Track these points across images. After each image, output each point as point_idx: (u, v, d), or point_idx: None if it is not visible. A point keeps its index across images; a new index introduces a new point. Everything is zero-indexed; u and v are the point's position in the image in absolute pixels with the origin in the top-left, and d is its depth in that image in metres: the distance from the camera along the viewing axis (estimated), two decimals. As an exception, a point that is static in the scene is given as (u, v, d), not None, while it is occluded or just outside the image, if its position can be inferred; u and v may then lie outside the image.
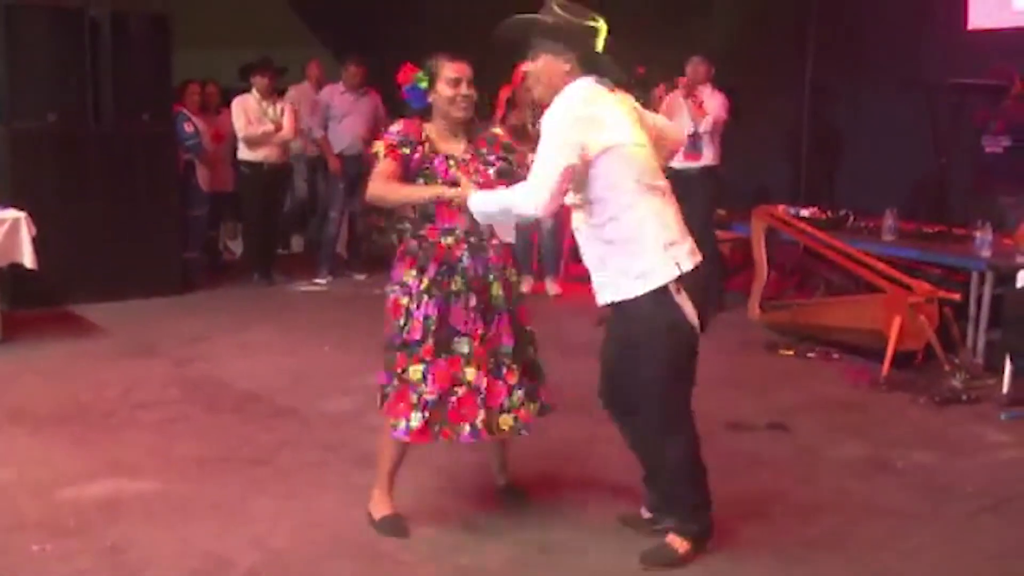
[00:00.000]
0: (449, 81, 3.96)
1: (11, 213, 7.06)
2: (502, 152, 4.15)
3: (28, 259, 7.01)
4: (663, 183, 3.80)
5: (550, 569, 3.92)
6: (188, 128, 9.28)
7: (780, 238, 8.05)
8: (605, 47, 3.77)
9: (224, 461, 4.93)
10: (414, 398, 3.96)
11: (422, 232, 4.03)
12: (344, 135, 9.48)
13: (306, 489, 4.56)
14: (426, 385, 3.95)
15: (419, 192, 3.95)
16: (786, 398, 6.13)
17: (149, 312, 8.19)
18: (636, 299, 3.74)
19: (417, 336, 3.96)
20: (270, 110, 9.31)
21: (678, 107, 8.29)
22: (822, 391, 6.32)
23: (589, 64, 3.74)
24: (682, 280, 3.75)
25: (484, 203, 3.76)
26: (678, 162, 8.34)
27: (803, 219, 7.90)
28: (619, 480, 4.67)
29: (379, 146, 4.02)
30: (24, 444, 5.22)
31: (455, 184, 3.93)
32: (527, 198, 3.65)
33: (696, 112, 8.16)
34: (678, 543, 3.95)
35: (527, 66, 3.83)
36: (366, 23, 11.31)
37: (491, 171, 4.07)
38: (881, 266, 6.83)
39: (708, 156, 8.27)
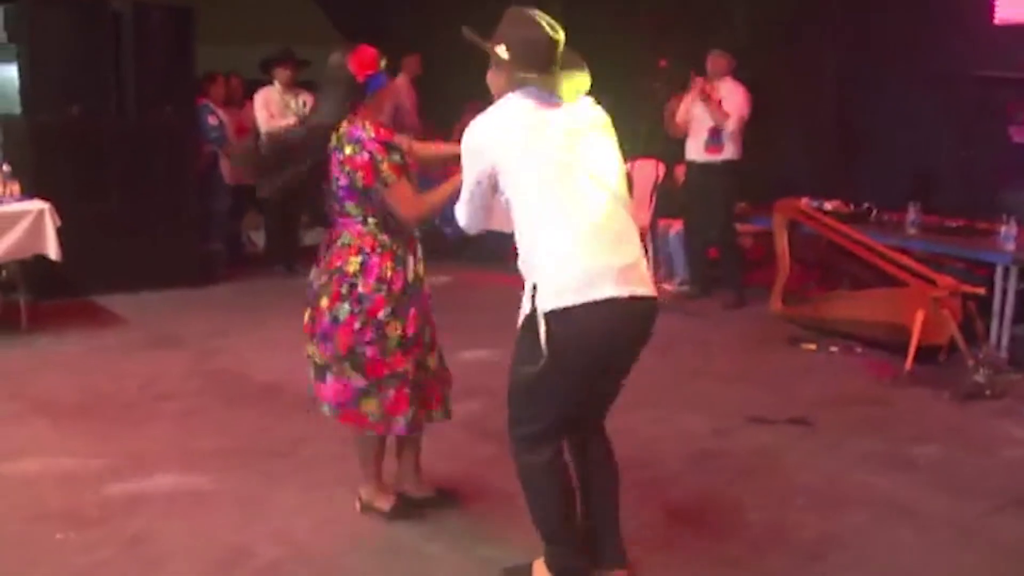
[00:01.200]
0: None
1: (35, 204, 7.10)
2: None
3: (52, 250, 7.04)
4: (583, 204, 3.42)
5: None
6: (212, 120, 9.32)
7: (802, 231, 8.01)
8: (556, 60, 3.52)
9: (245, 453, 4.95)
10: (409, 392, 4.01)
11: (395, 225, 3.99)
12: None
13: (328, 482, 4.57)
14: (413, 377, 4.03)
15: (449, 188, 3.90)
16: (807, 392, 6.11)
17: (171, 304, 8.22)
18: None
19: (413, 331, 3.99)
20: (292, 103, 9.32)
21: (696, 105, 8.27)
22: (844, 386, 6.30)
23: (518, 80, 3.48)
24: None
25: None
26: (700, 156, 8.36)
27: (826, 212, 7.87)
28: (644, 476, 4.67)
29: (389, 174, 3.85)
30: (47, 435, 5.26)
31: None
32: (460, 214, 3.66)
33: (718, 114, 8.12)
34: (537, 569, 3.69)
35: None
36: (387, 15, 11.30)
37: None
38: (904, 260, 6.80)
39: (730, 150, 8.24)
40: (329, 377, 4.04)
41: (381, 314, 3.93)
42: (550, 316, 3.32)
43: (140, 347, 6.94)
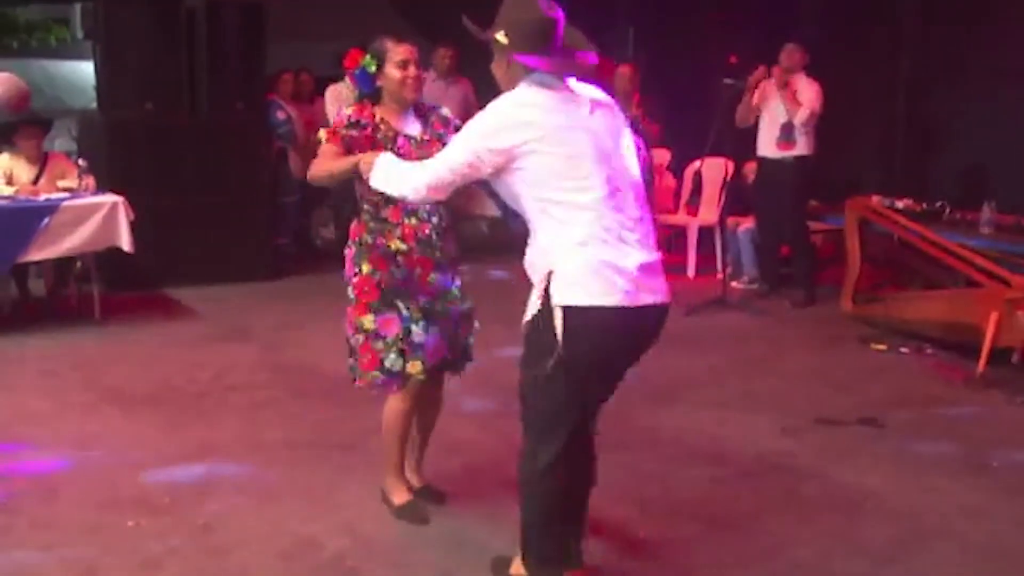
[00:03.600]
0: (398, 64, 3.99)
1: (109, 198, 7.23)
2: (454, 132, 4.10)
3: (125, 243, 7.17)
4: (603, 195, 3.32)
5: (638, 559, 3.91)
6: (280, 116, 9.41)
7: (874, 230, 7.90)
8: (554, 40, 3.40)
9: (313, 445, 4.99)
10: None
11: (384, 215, 4.04)
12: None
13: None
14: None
15: (343, 162, 3.94)
16: (878, 393, 6.02)
17: (241, 297, 8.32)
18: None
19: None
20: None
21: (772, 96, 8.19)
22: (915, 387, 6.20)
23: (522, 66, 3.39)
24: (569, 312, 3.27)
25: (380, 168, 3.62)
26: (771, 152, 8.28)
27: (898, 211, 7.75)
28: (709, 474, 4.64)
29: (322, 132, 4.07)
30: (119, 424, 5.35)
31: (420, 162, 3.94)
32: (409, 179, 3.51)
33: (791, 104, 8.04)
34: (516, 565, 3.63)
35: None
36: (460, 12, 11.33)
37: None
38: (978, 260, 6.68)
39: (802, 145, 8.15)
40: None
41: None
42: (567, 311, 3.25)
43: (210, 339, 7.03)
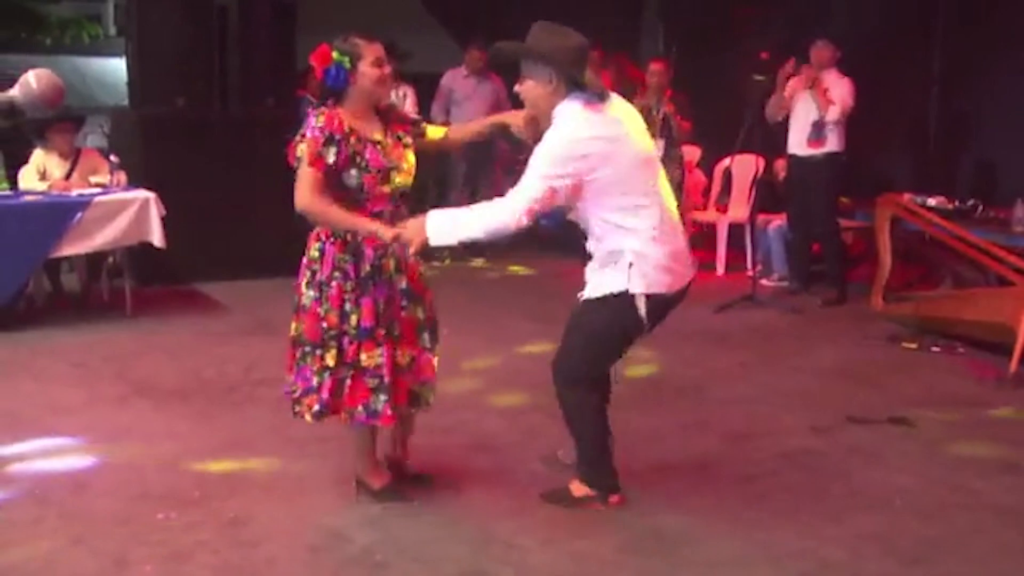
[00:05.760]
0: (373, 62, 3.99)
1: (141, 193, 7.28)
2: (412, 128, 4.20)
3: (157, 238, 7.21)
4: (652, 197, 3.95)
5: (664, 556, 3.90)
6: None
7: (905, 227, 7.85)
8: (585, 62, 3.93)
9: (342, 439, 4.97)
10: (373, 383, 4.06)
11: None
12: (465, 119, 9.52)
13: (422, 470, 4.60)
14: (385, 369, 4.06)
15: (357, 224, 3.97)
16: (909, 392, 5.98)
17: (270, 291, 8.29)
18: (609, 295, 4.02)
19: (371, 323, 4.02)
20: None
21: (803, 93, 8.15)
22: (946, 386, 6.15)
23: (571, 85, 3.89)
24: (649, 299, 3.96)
25: (451, 227, 3.91)
26: (802, 149, 8.24)
27: (929, 208, 7.69)
28: (739, 472, 4.62)
29: (302, 151, 3.94)
30: (150, 417, 5.39)
31: (387, 170, 3.99)
32: (509, 213, 3.86)
33: (822, 101, 7.99)
34: (575, 487, 4.27)
35: (518, 87, 4.01)
36: (489, 8, 11.32)
37: (410, 156, 4.10)
38: (1011, 258, 6.62)
39: (833, 143, 8.11)
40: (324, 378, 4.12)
41: (345, 303, 4.03)
42: (648, 297, 3.92)
43: (241, 333, 7.07)
